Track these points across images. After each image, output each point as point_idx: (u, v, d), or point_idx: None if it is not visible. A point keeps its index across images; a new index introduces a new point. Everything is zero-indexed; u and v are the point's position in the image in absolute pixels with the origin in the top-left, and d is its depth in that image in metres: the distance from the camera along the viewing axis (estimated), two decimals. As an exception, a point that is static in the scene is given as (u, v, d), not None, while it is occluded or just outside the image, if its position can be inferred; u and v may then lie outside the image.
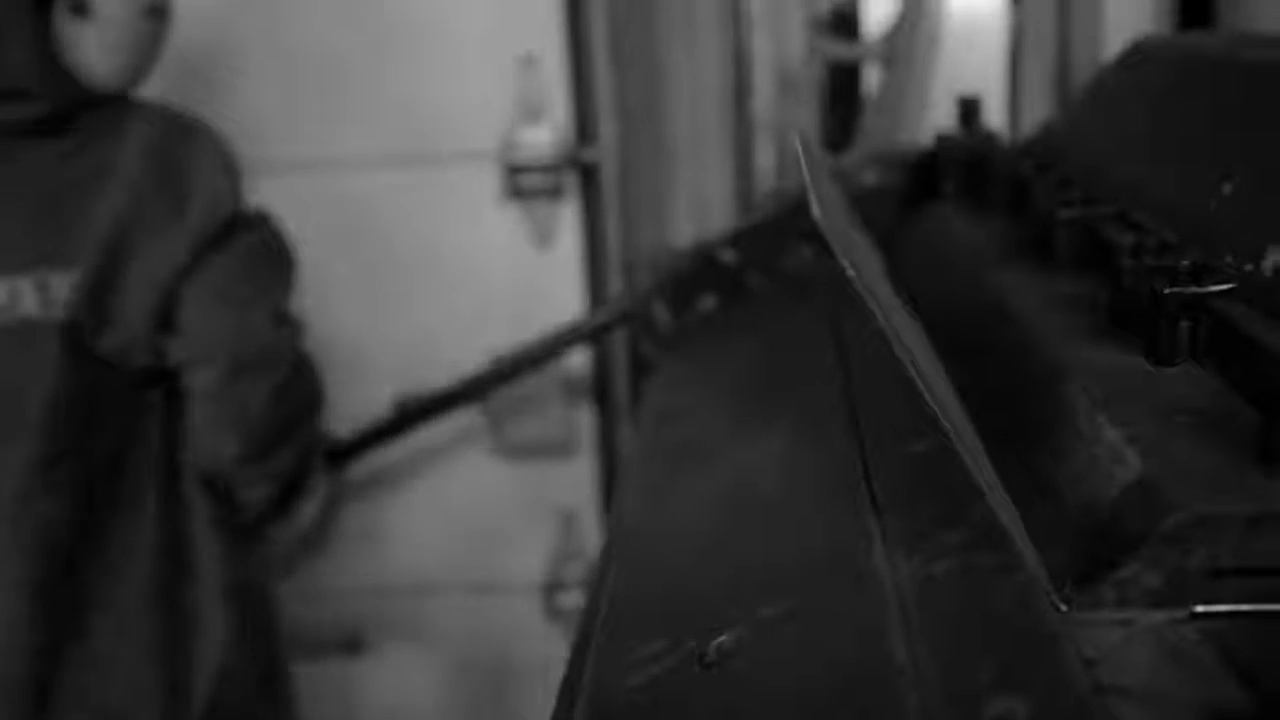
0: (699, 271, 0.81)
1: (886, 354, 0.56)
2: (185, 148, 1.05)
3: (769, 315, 0.76)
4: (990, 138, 0.87)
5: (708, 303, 0.81)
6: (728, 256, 0.82)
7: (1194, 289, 0.42)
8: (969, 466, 0.35)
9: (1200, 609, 0.34)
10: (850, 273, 0.33)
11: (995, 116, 1.41)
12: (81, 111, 1.02)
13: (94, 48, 1.00)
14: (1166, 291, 0.42)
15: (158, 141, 1.04)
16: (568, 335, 1.19)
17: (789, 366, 0.63)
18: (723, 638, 0.36)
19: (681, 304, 0.81)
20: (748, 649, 0.36)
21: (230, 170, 1.08)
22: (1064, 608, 0.34)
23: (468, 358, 1.43)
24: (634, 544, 0.48)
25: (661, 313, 0.81)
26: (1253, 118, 0.52)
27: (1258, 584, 0.34)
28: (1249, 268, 0.44)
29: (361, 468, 1.47)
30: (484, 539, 1.54)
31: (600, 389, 1.48)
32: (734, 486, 0.49)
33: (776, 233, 0.81)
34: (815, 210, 0.35)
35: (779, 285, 0.80)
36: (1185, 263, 0.44)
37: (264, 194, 1.36)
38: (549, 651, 1.57)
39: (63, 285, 0.98)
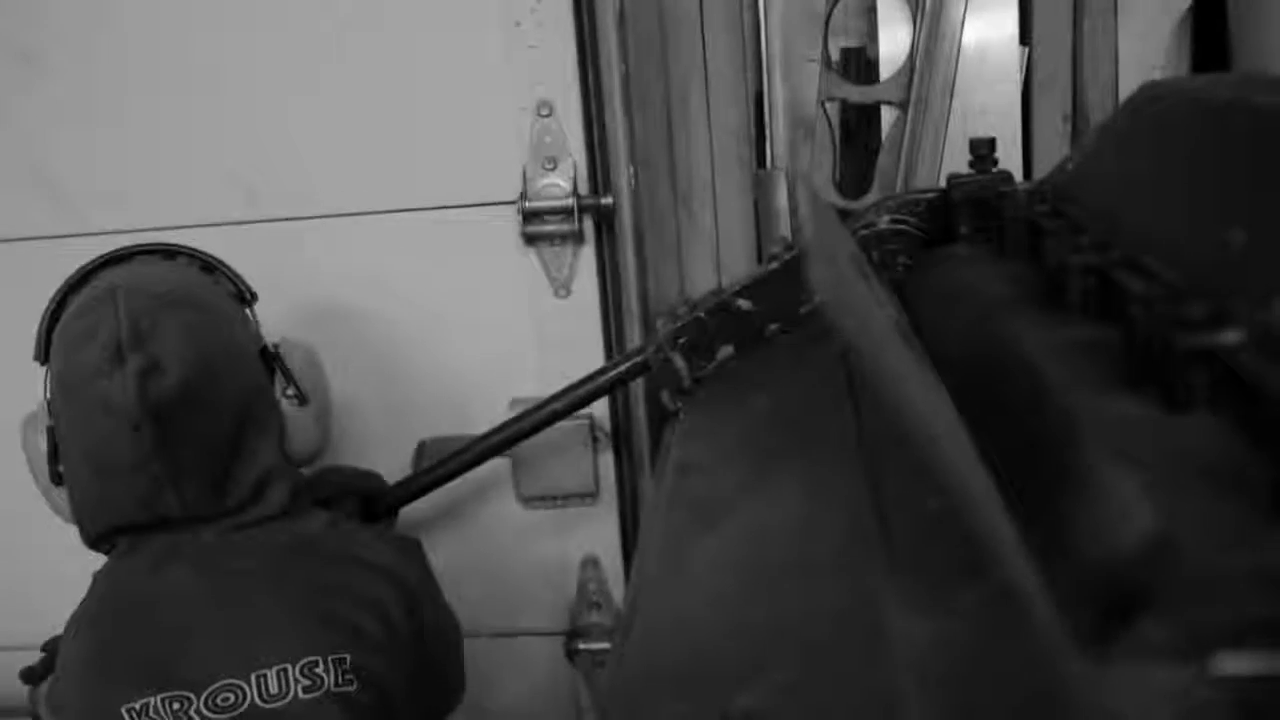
0: (716, 321, 0.81)
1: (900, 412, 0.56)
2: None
3: (786, 365, 0.76)
4: (1004, 179, 0.87)
5: (725, 352, 0.81)
6: (744, 306, 0.82)
7: (1207, 338, 0.41)
8: (984, 529, 0.35)
9: (1221, 668, 0.34)
10: (855, 344, 0.33)
11: (1009, 156, 1.41)
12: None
13: (310, 425, 1.14)
14: (1180, 340, 0.42)
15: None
16: (586, 390, 1.19)
17: (805, 420, 0.63)
18: (743, 702, 0.36)
19: (699, 354, 0.81)
20: (766, 713, 0.36)
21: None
22: (1080, 666, 0.34)
23: (489, 404, 1.44)
24: (655, 603, 0.48)
25: (680, 363, 0.81)
26: (1264, 163, 0.52)
27: (1277, 639, 0.33)
28: (1262, 316, 0.43)
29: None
30: (505, 586, 1.53)
31: (621, 437, 1.48)
32: (751, 545, 0.49)
33: (792, 281, 0.81)
34: (816, 282, 0.35)
35: (796, 334, 0.80)
36: (1198, 311, 0.43)
37: (282, 244, 1.38)
38: (570, 698, 1.56)
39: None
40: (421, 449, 1.49)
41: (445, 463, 1.30)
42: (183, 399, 1.00)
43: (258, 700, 1.01)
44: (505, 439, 1.26)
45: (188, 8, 1.39)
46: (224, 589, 1.03)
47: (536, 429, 1.25)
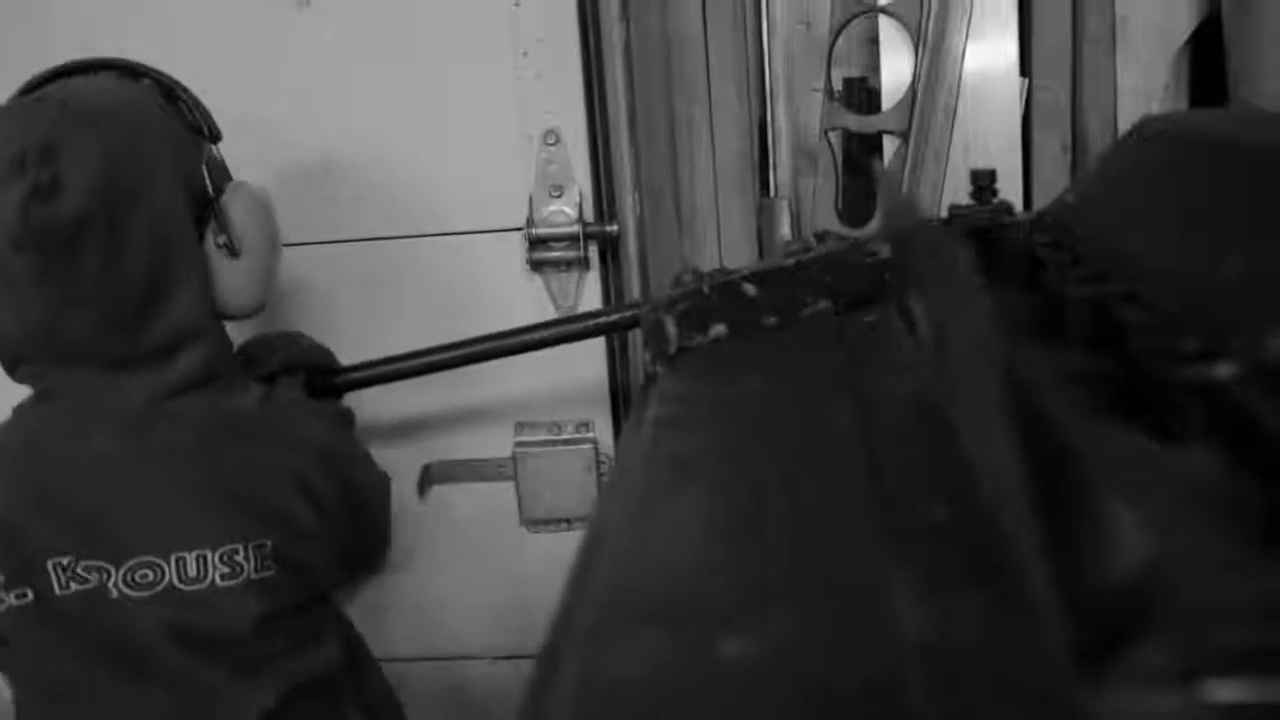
0: (717, 298, 0.79)
1: (915, 418, 0.56)
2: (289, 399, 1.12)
3: (780, 356, 0.75)
4: (1004, 210, 0.88)
5: (719, 330, 0.79)
6: (750, 291, 0.80)
7: (1202, 370, 0.42)
8: (1011, 527, 0.35)
9: (1215, 694, 0.34)
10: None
11: (1009, 185, 1.42)
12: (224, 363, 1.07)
13: (242, 281, 1.06)
14: (1175, 372, 0.43)
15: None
16: (570, 328, 1.17)
17: (799, 400, 0.63)
18: (734, 645, 0.35)
19: (693, 325, 0.78)
20: (757, 655, 0.35)
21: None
22: (1078, 690, 0.35)
23: (494, 428, 1.45)
24: (627, 543, 0.47)
25: (671, 328, 0.78)
26: (1261, 198, 0.53)
27: (1272, 666, 0.34)
28: (1257, 349, 0.44)
29: (391, 540, 1.47)
30: (509, 609, 1.54)
31: (623, 456, 1.49)
32: (739, 500, 0.48)
33: (800, 282, 0.80)
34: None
35: (793, 332, 0.79)
36: (1194, 343, 0.44)
37: (290, 267, 1.39)
38: None
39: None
40: (426, 472, 1.50)
41: (399, 359, 1.25)
42: (76, 224, 0.94)
43: (175, 582, 0.99)
44: (466, 355, 1.22)
45: (191, 30, 1.41)
46: (150, 462, 1.00)
47: (507, 353, 1.22)
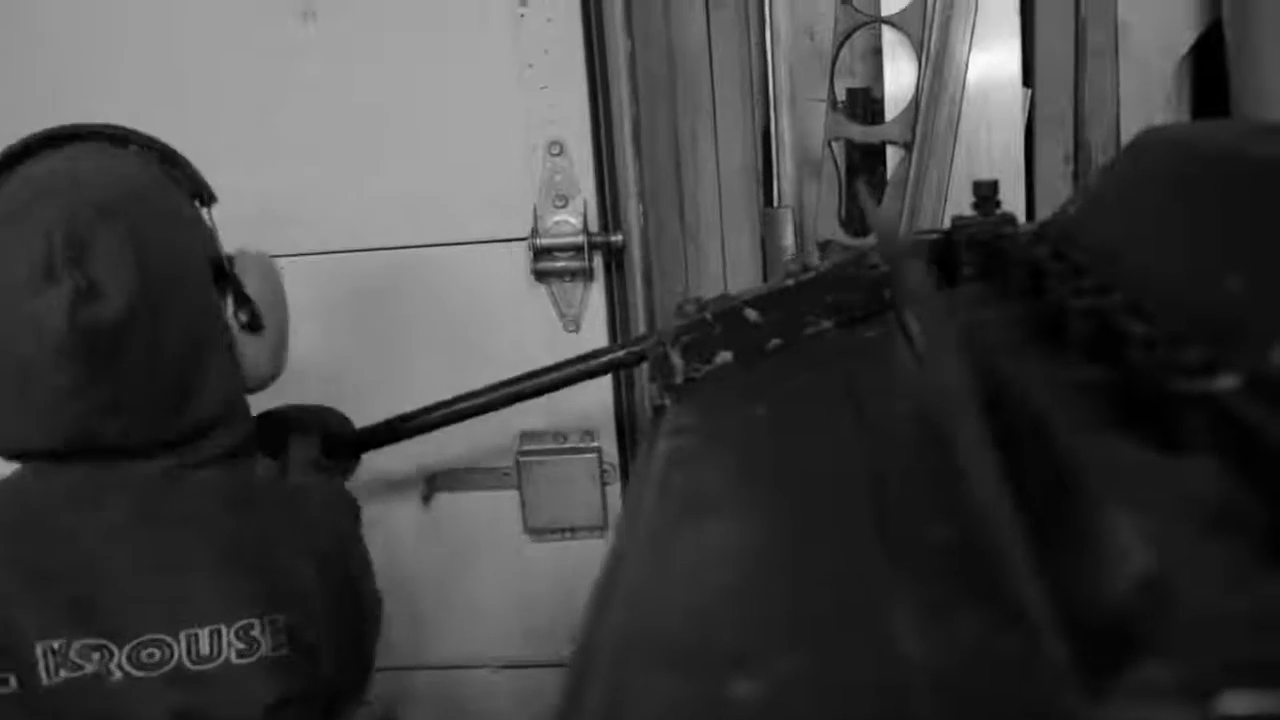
0: (721, 326, 0.79)
1: (914, 435, 0.57)
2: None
3: (785, 380, 0.76)
4: (1007, 221, 0.89)
5: (724, 358, 0.80)
6: (752, 316, 0.80)
7: (1204, 382, 0.43)
8: (1004, 547, 0.36)
9: (1221, 708, 0.34)
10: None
11: (1012, 196, 1.43)
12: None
13: (265, 354, 1.02)
14: (1176, 384, 0.43)
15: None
16: (579, 369, 1.16)
17: (804, 426, 0.63)
18: (745, 686, 0.36)
19: (698, 355, 0.79)
20: (769, 699, 0.35)
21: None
22: (1080, 706, 0.35)
23: (498, 438, 1.45)
24: (642, 579, 0.47)
25: (677, 360, 0.79)
26: (1262, 211, 0.53)
27: (1275, 680, 0.34)
28: (1258, 361, 0.45)
29: (396, 548, 1.48)
30: (513, 617, 1.54)
31: (629, 470, 1.49)
32: (747, 537, 0.49)
33: (801, 302, 0.81)
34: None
35: (797, 353, 0.79)
36: (1195, 355, 0.44)
37: (299, 278, 1.40)
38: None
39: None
40: (432, 482, 1.50)
41: (413, 416, 1.23)
42: (124, 326, 0.88)
43: (185, 661, 0.91)
44: (477, 406, 1.21)
45: (196, 43, 1.42)
46: (160, 533, 0.93)
47: (517, 399, 1.21)
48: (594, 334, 1.44)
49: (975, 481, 0.38)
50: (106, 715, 0.92)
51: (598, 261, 1.42)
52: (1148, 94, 1.47)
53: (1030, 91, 1.50)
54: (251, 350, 1.01)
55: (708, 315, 0.79)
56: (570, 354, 1.44)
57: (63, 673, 0.91)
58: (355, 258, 1.45)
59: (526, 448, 1.46)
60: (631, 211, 1.41)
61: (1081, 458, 0.45)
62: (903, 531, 0.47)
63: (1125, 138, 1.47)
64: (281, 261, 1.33)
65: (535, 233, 1.40)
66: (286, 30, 1.39)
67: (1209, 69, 1.48)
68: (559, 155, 1.40)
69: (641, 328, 1.43)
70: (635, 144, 1.40)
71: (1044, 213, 1.41)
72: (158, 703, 0.92)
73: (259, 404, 1.09)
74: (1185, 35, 1.47)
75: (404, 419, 1.22)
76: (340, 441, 1.20)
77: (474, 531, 1.51)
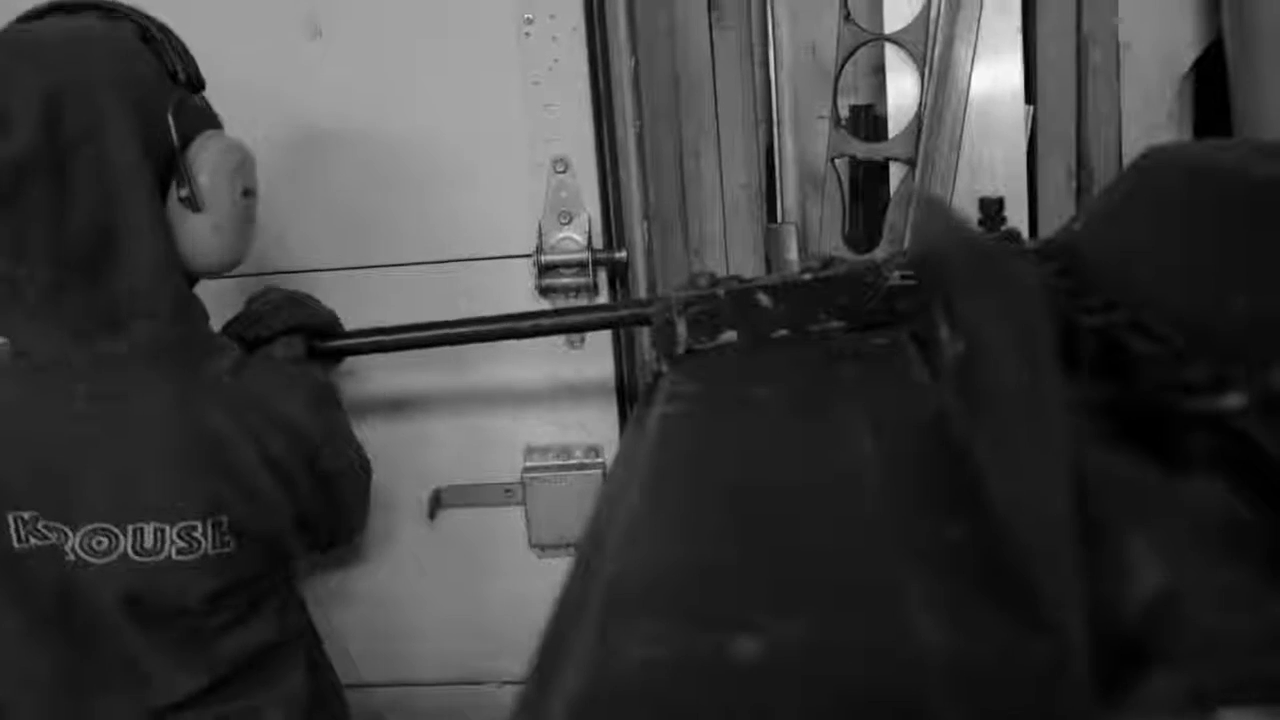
0: (731, 304, 0.79)
1: (925, 437, 0.57)
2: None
3: (790, 369, 0.75)
4: (1012, 238, 0.89)
5: (728, 336, 0.79)
6: (764, 301, 0.80)
7: (1209, 401, 0.43)
8: (1046, 555, 0.36)
9: (1227, 724, 0.35)
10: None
11: (1014, 211, 1.43)
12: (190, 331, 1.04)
13: (207, 238, 1.02)
14: (1183, 402, 0.43)
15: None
16: (577, 319, 1.15)
17: (809, 418, 0.63)
18: (748, 645, 0.35)
19: (703, 328, 0.78)
20: (773, 661, 0.35)
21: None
22: (1098, 717, 0.35)
23: (504, 453, 1.45)
24: (637, 531, 0.47)
25: (682, 329, 0.78)
26: (1266, 228, 0.54)
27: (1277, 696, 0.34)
28: (1263, 380, 0.45)
29: (401, 563, 1.48)
30: (519, 632, 1.54)
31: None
32: (751, 502, 0.48)
33: (814, 298, 0.81)
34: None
35: (803, 346, 0.79)
36: (1200, 374, 0.45)
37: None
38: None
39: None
40: (437, 496, 1.50)
41: (400, 329, 1.23)
42: (18, 167, 0.91)
43: (130, 552, 0.97)
44: (473, 332, 1.21)
45: (203, 60, 1.42)
46: (120, 429, 0.97)
47: (512, 336, 1.22)
48: (598, 350, 1.45)
49: (1026, 496, 0.38)
50: (69, 588, 0.99)
51: (602, 278, 1.43)
52: (1149, 112, 1.48)
53: (1032, 109, 1.51)
54: (193, 233, 1.01)
55: (720, 292, 0.78)
56: (573, 368, 1.45)
57: (32, 540, 0.98)
58: (359, 274, 1.46)
59: (532, 464, 1.46)
60: (636, 228, 1.42)
61: (1088, 474, 0.45)
62: (913, 521, 0.46)
63: (1127, 155, 1.48)
64: (286, 278, 1.34)
65: (540, 249, 1.41)
66: (294, 48, 1.40)
67: (1210, 87, 1.49)
68: (564, 172, 1.40)
69: (645, 343, 1.44)
70: (640, 161, 1.41)
71: (1047, 227, 1.42)
72: (108, 585, 0.98)
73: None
74: (1186, 53, 1.48)
75: (391, 330, 1.23)
76: (324, 349, 1.21)
77: (479, 547, 1.51)
